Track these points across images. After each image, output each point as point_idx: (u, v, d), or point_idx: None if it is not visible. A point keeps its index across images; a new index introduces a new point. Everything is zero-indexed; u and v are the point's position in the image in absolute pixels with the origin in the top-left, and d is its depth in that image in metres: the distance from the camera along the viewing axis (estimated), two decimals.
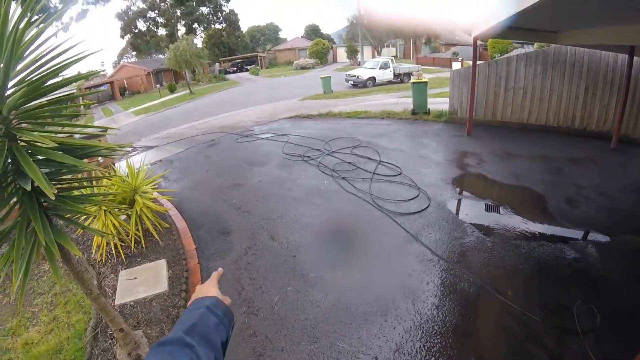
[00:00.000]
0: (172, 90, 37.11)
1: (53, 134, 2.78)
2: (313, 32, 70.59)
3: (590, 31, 7.23)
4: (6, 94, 2.46)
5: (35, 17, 2.63)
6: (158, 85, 41.82)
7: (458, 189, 7.37)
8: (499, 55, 32.33)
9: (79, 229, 6.09)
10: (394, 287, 4.61)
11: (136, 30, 55.68)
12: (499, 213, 6.31)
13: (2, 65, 2.34)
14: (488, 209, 6.50)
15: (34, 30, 2.60)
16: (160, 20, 56.11)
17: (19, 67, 2.56)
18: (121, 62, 51.47)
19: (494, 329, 4.01)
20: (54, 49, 2.66)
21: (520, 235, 5.60)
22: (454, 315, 4.11)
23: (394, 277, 4.82)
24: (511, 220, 6.04)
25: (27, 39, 2.51)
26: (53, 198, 2.11)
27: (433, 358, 3.59)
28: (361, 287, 4.68)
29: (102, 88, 37.54)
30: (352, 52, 50.04)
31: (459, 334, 3.87)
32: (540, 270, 4.80)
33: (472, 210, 6.54)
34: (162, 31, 57.00)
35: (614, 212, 6.23)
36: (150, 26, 56.44)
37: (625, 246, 5.32)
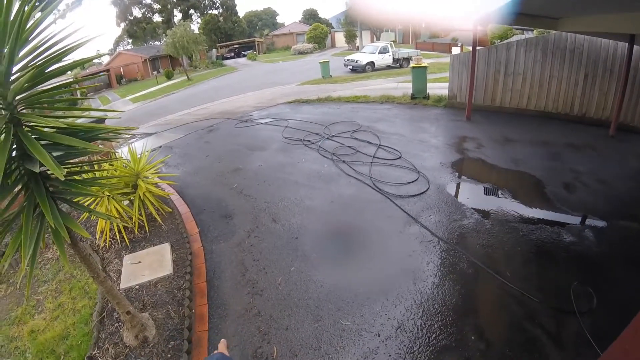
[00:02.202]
0: (169, 77, 36.89)
1: (56, 120, 2.81)
2: (311, 16, 70.00)
3: (591, 18, 7.21)
4: (10, 79, 2.48)
5: (37, 3, 2.64)
6: (155, 72, 41.62)
7: (457, 173, 7.42)
8: (498, 41, 32.10)
9: (82, 216, 6.15)
10: (394, 267, 4.71)
11: (132, 17, 55.03)
12: (498, 197, 6.38)
13: (6, 49, 2.36)
14: (487, 192, 6.57)
15: (37, 15, 2.62)
16: (156, 6, 55.44)
17: (22, 53, 2.58)
18: (117, 50, 50.91)
19: (493, 309, 4.10)
20: (55, 35, 2.67)
21: (518, 218, 5.68)
22: (454, 295, 4.20)
23: (395, 258, 4.91)
24: (509, 204, 6.11)
25: (30, 24, 2.53)
26: (63, 179, 2.14)
27: (434, 335, 3.69)
28: (363, 267, 4.77)
29: (100, 74, 37.36)
30: (350, 37, 49.60)
31: (459, 313, 3.96)
32: (538, 253, 4.88)
33: (471, 194, 6.61)
34: (157, 18, 56.40)
35: (611, 198, 6.29)
36: (146, 13, 55.78)
37: (621, 231, 5.39)
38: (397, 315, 3.97)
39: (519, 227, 5.43)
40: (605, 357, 1.84)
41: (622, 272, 4.48)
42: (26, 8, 2.42)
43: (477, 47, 10.89)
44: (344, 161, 8.12)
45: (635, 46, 8.58)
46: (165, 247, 5.44)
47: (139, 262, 5.16)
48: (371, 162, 7.97)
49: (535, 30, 25.76)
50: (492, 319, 3.95)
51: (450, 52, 30.41)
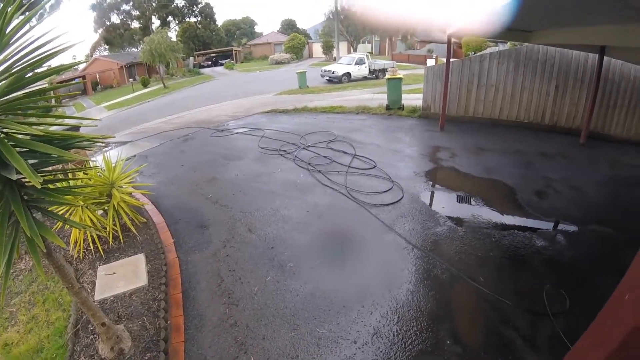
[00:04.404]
0: (145, 84, 36.47)
1: (31, 127, 2.77)
2: (289, 26, 70.23)
3: (563, 31, 7.48)
4: None
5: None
6: (131, 80, 41.05)
7: (431, 182, 7.58)
8: (473, 53, 32.80)
9: (55, 225, 6.03)
10: (369, 275, 4.77)
11: (109, 23, 54.32)
12: (471, 204, 6.54)
13: None
14: (460, 200, 6.72)
15: (15, 20, 2.58)
16: (135, 13, 54.91)
17: (1, 57, 2.53)
18: (94, 56, 50.02)
19: (468, 313, 4.20)
20: (35, 40, 2.63)
21: (491, 225, 5.83)
22: (429, 300, 4.29)
23: (370, 265, 4.97)
24: (482, 211, 6.27)
25: (10, 28, 2.49)
26: (39, 187, 2.12)
27: (410, 340, 3.75)
28: (338, 275, 4.82)
29: (75, 81, 36.68)
30: (328, 48, 50.08)
31: (435, 318, 4.04)
32: (511, 258, 5.03)
33: (445, 202, 6.75)
34: (135, 24, 55.81)
35: (582, 204, 6.54)
36: (124, 19, 55.15)
37: (591, 235, 5.60)
38: (373, 322, 4.02)
39: (492, 233, 5.58)
40: (575, 350, 1.94)
41: (593, 274, 4.67)
42: (9, 9, 2.39)
43: (451, 59, 11.17)
44: (319, 171, 8.18)
45: (605, 57, 8.94)
46: (140, 258, 5.38)
47: (114, 273, 5.09)
48: (346, 172, 8.06)
49: (509, 43, 26.47)
50: (467, 323, 4.04)
51: (425, 63, 30.98)
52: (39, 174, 2.90)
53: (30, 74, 2.59)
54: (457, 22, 9.42)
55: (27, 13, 2.63)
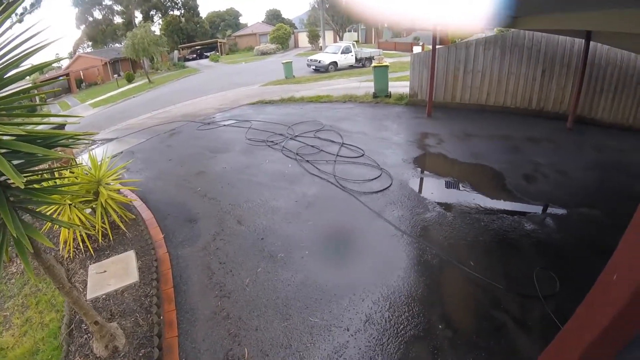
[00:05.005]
0: (130, 80, 36.06)
1: (15, 127, 2.73)
2: (274, 17, 69.72)
3: (549, 16, 7.48)
4: None
5: None
6: (115, 76, 40.36)
7: (419, 168, 7.61)
8: (459, 40, 32.76)
9: (44, 226, 5.98)
10: (360, 263, 4.80)
11: (91, 19, 53.57)
12: (459, 189, 6.58)
13: None
14: (448, 185, 6.76)
15: None
16: (117, 8, 54.17)
17: None
18: (77, 53, 49.25)
19: (459, 297, 4.24)
20: (14, 39, 2.59)
21: (480, 209, 5.87)
22: (420, 286, 4.32)
23: (360, 253, 5.00)
24: (470, 196, 6.31)
25: None
26: (23, 187, 2.09)
27: (402, 326, 3.79)
28: (329, 264, 4.84)
29: (59, 79, 36.11)
30: (313, 37, 49.76)
31: (426, 303, 4.08)
32: (500, 241, 5.08)
33: (433, 188, 6.79)
34: (118, 19, 55.17)
35: (569, 187, 6.61)
36: (107, 14, 54.45)
37: (579, 218, 5.68)
38: (364, 309, 4.05)
39: (481, 217, 5.63)
40: (564, 332, 1.97)
41: (581, 256, 4.74)
42: None
43: (438, 46, 11.16)
44: (307, 161, 8.18)
45: (591, 43, 8.99)
46: (130, 255, 5.36)
47: (105, 271, 5.06)
48: (335, 161, 8.06)
49: (495, 29, 26.48)
50: (458, 307, 4.09)
51: (412, 51, 30.91)
52: (25, 174, 2.89)
53: (12, 72, 2.54)
54: (443, 19, 9.40)
55: (4, 13, 2.57)
